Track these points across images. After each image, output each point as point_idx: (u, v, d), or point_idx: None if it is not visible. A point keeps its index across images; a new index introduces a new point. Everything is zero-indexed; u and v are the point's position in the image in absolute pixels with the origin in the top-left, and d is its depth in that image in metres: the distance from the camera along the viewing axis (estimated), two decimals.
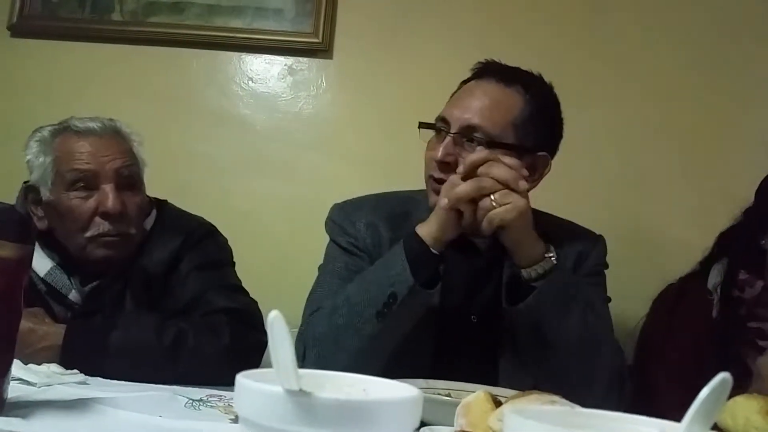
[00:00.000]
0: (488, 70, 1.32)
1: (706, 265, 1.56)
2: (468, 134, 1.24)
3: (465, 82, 1.35)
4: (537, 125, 1.28)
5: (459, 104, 1.27)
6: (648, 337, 1.55)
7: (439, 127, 1.28)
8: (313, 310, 1.28)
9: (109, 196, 1.30)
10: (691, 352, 1.43)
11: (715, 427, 0.52)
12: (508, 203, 1.15)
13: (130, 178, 1.35)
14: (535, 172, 1.29)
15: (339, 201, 1.44)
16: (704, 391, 0.44)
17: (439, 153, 1.23)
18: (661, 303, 1.58)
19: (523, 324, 1.20)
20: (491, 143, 1.23)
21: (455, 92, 1.34)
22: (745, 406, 0.74)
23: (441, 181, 1.25)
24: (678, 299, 1.52)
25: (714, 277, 1.51)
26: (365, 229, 1.35)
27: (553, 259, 1.18)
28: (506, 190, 1.15)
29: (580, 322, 1.18)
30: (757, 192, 1.52)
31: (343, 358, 1.16)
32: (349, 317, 1.18)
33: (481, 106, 1.25)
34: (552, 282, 1.17)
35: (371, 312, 1.16)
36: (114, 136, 1.37)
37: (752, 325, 1.45)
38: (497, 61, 1.35)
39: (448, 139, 1.24)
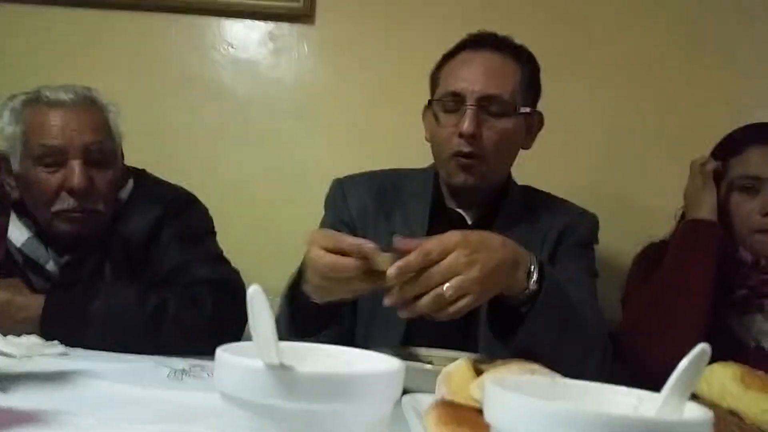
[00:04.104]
0: (482, 41, 1.35)
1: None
2: (487, 104, 1.28)
3: (452, 54, 1.36)
4: (532, 87, 1.35)
5: (468, 77, 1.29)
6: (628, 295, 1.57)
7: (449, 102, 1.30)
8: None
9: (75, 172, 1.27)
10: None
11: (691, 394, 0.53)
12: (464, 296, 0.94)
13: (99, 154, 1.32)
14: (533, 129, 1.37)
15: (321, 168, 1.45)
16: (684, 362, 0.44)
17: (468, 126, 1.25)
18: (642, 260, 1.61)
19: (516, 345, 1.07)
20: (510, 108, 1.28)
21: (444, 64, 1.36)
22: (721, 373, 0.75)
23: (472, 155, 1.27)
24: (658, 259, 1.53)
25: None
26: (352, 201, 1.39)
27: (534, 277, 1.02)
28: (458, 278, 0.93)
29: (576, 331, 1.10)
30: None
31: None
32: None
33: (491, 75, 1.29)
34: (542, 307, 1.03)
35: (286, 324, 1.12)
36: (87, 107, 1.33)
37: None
38: (487, 31, 1.37)
39: (471, 112, 1.26)
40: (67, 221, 1.30)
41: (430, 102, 1.37)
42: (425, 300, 0.92)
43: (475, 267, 0.93)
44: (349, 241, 0.95)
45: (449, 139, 1.30)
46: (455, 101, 1.29)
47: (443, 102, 1.32)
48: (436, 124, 1.33)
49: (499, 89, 1.28)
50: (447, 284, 0.92)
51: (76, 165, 1.28)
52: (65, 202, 1.28)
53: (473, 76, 1.29)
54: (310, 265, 0.99)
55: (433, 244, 0.93)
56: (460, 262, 0.92)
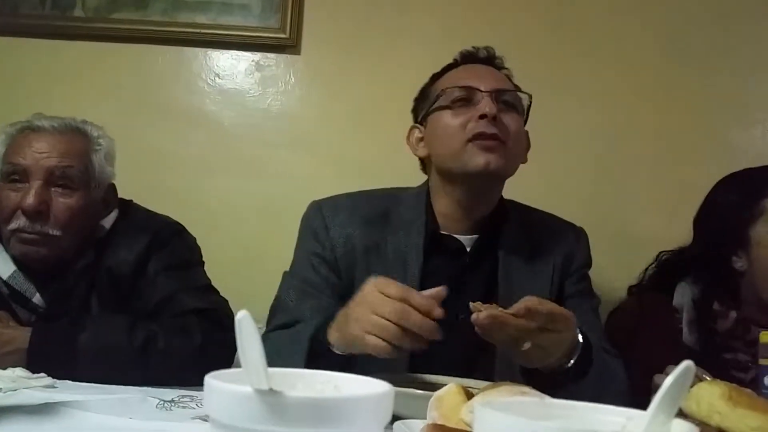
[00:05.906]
0: (479, 57, 1.39)
1: (658, 279, 1.56)
2: (500, 97, 1.29)
3: (448, 68, 1.39)
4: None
5: (478, 76, 1.32)
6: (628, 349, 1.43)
7: (460, 95, 1.30)
8: (270, 327, 1.27)
9: (30, 191, 1.29)
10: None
11: (680, 413, 0.53)
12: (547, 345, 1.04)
13: (64, 179, 1.32)
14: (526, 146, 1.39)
15: (309, 198, 1.41)
16: (669, 379, 0.44)
17: (490, 108, 1.25)
18: (618, 322, 1.54)
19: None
20: (519, 105, 1.33)
21: (440, 77, 1.38)
22: (709, 391, 0.75)
23: (495, 137, 1.26)
24: (640, 317, 1.48)
25: (679, 297, 1.49)
26: (335, 234, 1.31)
27: (574, 357, 1.09)
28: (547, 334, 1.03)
29: (608, 394, 1.14)
30: (709, 214, 1.51)
31: None
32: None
33: (499, 76, 1.35)
34: (585, 381, 1.10)
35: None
36: (66, 134, 1.35)
37: (727, 356, 1.43)
38: (480, 47, 1.40)
39: (489, 97, 1.27)
40: (20, 242, 1.30)
41: (417, 120, 1.38)
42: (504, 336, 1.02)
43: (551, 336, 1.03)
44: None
45: (463, 126, 1.27)
46: (467, 94, 1.29)
47: (453, 94, 1.30)
48: (444, 121, 1.30)
49: (509, 87, 1.33)
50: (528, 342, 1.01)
51: (34, 185, 1.29)
52: (18, 222, 1.29)
53: (483, 75, 1.32)
54: (367, 311, 0.99)
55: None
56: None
